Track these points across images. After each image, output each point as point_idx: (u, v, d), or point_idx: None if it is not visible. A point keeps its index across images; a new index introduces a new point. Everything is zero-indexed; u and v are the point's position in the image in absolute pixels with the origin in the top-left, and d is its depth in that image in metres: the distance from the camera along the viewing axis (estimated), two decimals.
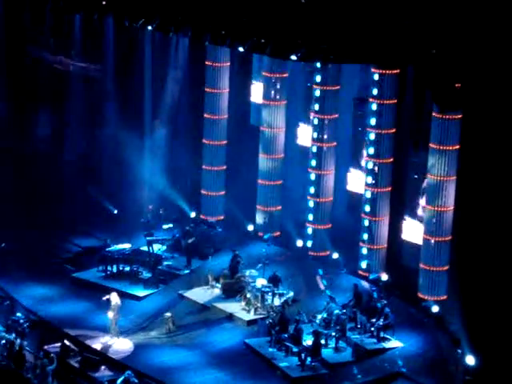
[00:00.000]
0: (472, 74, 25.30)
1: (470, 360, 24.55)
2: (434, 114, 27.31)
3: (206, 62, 32.72)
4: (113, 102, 34.17)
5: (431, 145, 27.62)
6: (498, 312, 25.14)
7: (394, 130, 29.13)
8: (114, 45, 33.28)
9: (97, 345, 26.29)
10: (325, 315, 26.75)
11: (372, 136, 29.23)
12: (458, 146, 27.51)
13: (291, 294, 28.39)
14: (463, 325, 25.37)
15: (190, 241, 31.40)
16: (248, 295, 28.30)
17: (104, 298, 26.94)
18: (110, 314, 26.52)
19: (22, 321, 26.29)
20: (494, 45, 24.57)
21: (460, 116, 27.14)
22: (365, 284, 28.36)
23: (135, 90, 34.06)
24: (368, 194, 29.53)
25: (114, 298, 26.68)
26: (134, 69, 33.74)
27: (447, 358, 25.21)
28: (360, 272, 29.72)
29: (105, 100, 34.49)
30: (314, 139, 30.97)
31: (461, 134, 27.42)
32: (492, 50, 24.63)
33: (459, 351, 24.99)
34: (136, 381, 23.58)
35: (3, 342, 25.03)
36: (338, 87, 30.41)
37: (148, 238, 31.15)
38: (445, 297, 27.88)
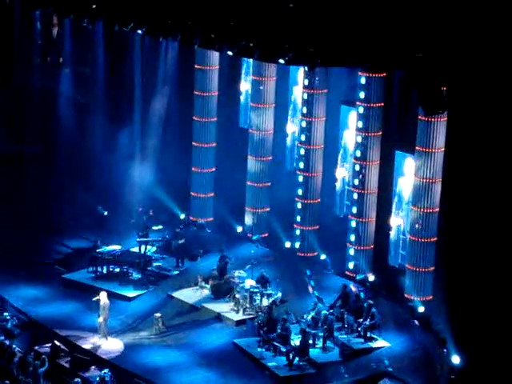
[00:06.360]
0: (458, 78, 25.61)
1: (456, 359, 24.91)
2: (419, 116, 27.69)
3: (196, 66, 33.04)
4: (103, 104, 34.38)
5: (417, 147, 27.99)
6: (484, 312, 25.46)
7: (380, 133, 29.51)
8: (104, 49, 33.51)
9: (87, 345, 26.53)
10: (313, 314, 27.03)
11: (359, 139, 29.60)
12: (443, 149, 27.89)
13: (279, 294, 28.70)
14: (449, 325, 25.70)
15: (180, 242, 31.68)
16: (237, 296, 28.60)
17: (94, 299, 27.18)
18: (101, 317, 26.74)
19: (10, 322, 26.49)
20: (480, 48, 24.87)
21: (446, 119, 27.52)
22: (352, 287, 28.59)
23: (125, 93, 34.28)
24: (355, 196, 29.88)
25: (103, 298, 26.94)
26: (123, 72, 33.97)
27: (433, 358, 25.54)
28: (347, 273, 30.07)
29: (94, 102, 34.69)
30: (301, 141, 31.33)
31: (446, 136, 27.81)
32: (478, 54, 24.93)
33: (445, 351, 25.32)
34: (111, 380, 23.85)
35: None
36: (325, 90, 30.77)
37: (139, 240, 31.40)
38: (431, 297, 28.24)
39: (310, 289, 29.21)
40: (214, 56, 32.65)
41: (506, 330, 24.99)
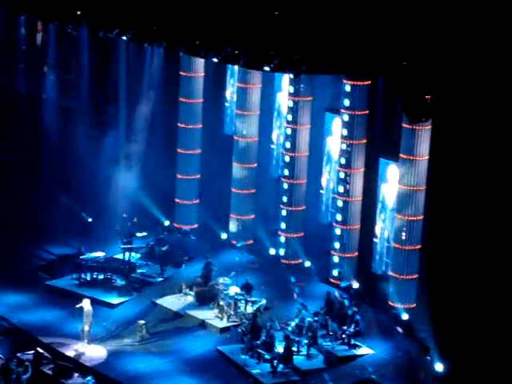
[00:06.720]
0: (442, 86, 25.76)
1: (439, 367, 24.99)
2: (404, 124, 27.80)
3: (181, 72, 33.04)
4: (87, 110, 34.31)
5: (401, 155, 28.10)
6: (467, 319, 25.57)
7: (365, 141, 29.60)
8: (89, 55, 33.45)
9: (70, 352, 26.43)
10: (297, 321, 27.05)
11: (343, 146, 29.68)
12: (427, 156, 28.00)
13: (264, 301, 28.69)
14: (432, 332, 25.78)
15: (164, 248, 31.64)
16: (221, 303, 28.57)
17: (77, 306, 27.09)
18: (85, 324, 26.66)
19: None
20: (464, 56, 25.04)
21: (430, 126, 27.64)
22: (336, 294, 28.61)
23: (110, 99, 34.23)
24: (340, 203, 29.96)
25: (86, 305, 26.86)
26: (108, 78, 33.94)
27: (416, 365, 25.61)
28: (331, 280, 30.11)
29: (80, 108, 34.62)
30: (286, 149, 31.38)
31: (430, 144, 27.93)
32: (462, 62, 25.10)
33: (428, 358, 25.39)
34: None
35: None
36: (310, 98, 30.84)
37: (123, 246, 31.31)
38: (414, 304, 28.31)
39: (295, 296, 29.21)
40: (199, 63, 32.66)
41: (489, 338, 25.11)
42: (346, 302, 27.91)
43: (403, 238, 27.98)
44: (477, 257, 26.14)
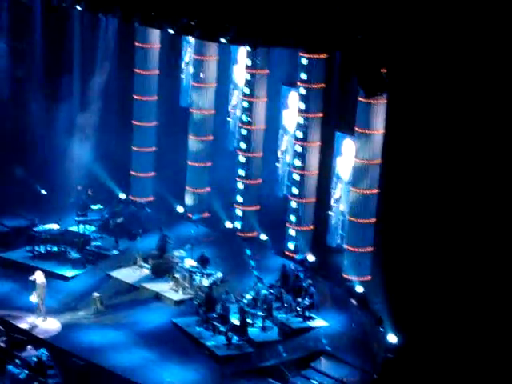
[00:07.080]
0: (397, 60, 25.84)
1: (392, 338, 25.31)
2: (359, 98, 27.87)
3: (136, 43, 32.69)
4: (41, 81, 33.84)
5: (357, 129, 28.20)
6: (420, 292, 25.86)
7: (321, 115, 29.63)
8: (43, 24, 32.94)
9: (23, 325, 26.23)
10: (252, 294, 27.15)
11: (300, 120, 29.70)
12: (382, 131, 28.14)
13: (219, 274, 28.73)
14: (386, 304, 26.06)
15: (118, 221, 31.48)
16: (176, 275, 28.56)
17: (30, 278, 26.88)
18: (34, 297, 26.45)
19: None
20: (420, 30, 25.12)
21: (385, 101, 27.74)
22: (291, 267, 28.75)
23: (64, 70, 33.78)
24: (296, 177, 30.03)
25: (39, 277, 26.66)
26: (62, 48, 33.46)
27: (370, 337, 25.90)
28: (287, 253, 30.24)
29: (33, 78, 34.12)
30: (242, 122, 31.31)
31: (386, 118, 28.05)
32: (417, 35, 25.18)
33: (381, 330, 25.69)
34: (48, 359, 23.64)
35: None
36: (267, 71, 30.76)
37: (77, 219, 31.08)
38: (368, 277, 28.59)
39: (251, 268, 29.31)
40: (155, 34, 32.33)
41: (442, 310, 25.44)
42: (301, 275, 28.08)
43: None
44: (430, 230, 26.41)
